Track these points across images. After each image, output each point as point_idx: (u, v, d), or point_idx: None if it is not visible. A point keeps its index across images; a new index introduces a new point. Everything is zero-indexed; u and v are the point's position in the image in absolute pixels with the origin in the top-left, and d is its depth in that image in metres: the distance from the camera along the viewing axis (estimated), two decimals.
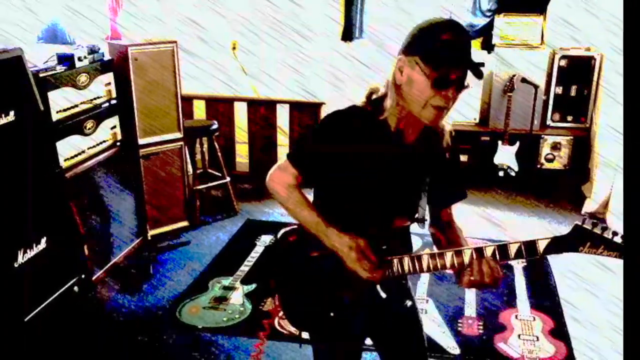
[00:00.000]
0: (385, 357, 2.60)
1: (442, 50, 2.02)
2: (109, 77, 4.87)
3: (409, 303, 2.51)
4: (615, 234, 1.90)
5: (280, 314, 4.28)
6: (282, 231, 2.47)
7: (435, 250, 2.24)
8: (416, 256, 2.20)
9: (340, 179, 2.28)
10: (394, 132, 2.22)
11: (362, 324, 2.44)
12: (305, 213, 2.32)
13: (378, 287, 2.28)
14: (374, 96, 2.24)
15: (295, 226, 2.43)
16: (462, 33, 2.06)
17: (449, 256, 2.14)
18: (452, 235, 2.41)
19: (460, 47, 2.04)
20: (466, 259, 2.10)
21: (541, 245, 2.00)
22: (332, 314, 2.36)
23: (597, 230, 1.92)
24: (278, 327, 4.26)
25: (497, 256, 2.06)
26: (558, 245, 1.98)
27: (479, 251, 2.08)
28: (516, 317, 4.46)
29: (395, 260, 2.24)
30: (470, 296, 4.71)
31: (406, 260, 2.22)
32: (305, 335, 2.57)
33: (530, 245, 2.01)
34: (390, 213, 2.29)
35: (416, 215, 2.36)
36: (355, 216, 2.26)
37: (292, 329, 2.58)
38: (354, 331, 2.47)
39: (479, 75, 2.04)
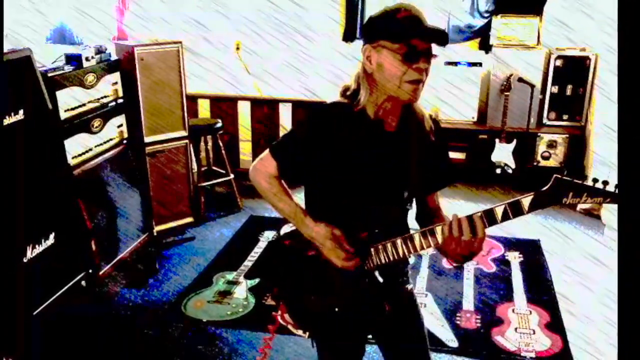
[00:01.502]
0: (385, 344, 2.59)
1: (403, 26, 2.06)
2: (116, 76, 4.88)
3: (408, 287, 2.51)
4: (595, 180, 1.90)
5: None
6: (279, 236, 2.47)
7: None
8: (408, 237, 2.21)
9: (325, 171, 2.28)
10: (373, 122, 2.23)
11: (365, 314, 2.44)
12: (283, 203, 2.34)
13: (376, 272, 2.29)
14: (348, 93, 2.25)
15: (290, 230, 2.43)
16: (415, 10, 2.09)
17: (438, 231, 2.14)
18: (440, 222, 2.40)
19: (418, 20, 2.07)
20: (453, 231, 2.09)
21: (525, 203, 1.99)
22: (336, 309, 2.36)
23: (578, 180, 1.92)
24: (281, 321, 4.26)
25: (486, 222, 2.06)
26: (542, 199, 1.97)
27: (469, 219, 2.07)
28: (513, 310, 4.46)
29: (379, 247, 2.25)
30: (468, 290, 4.72)
31: (389, 245, 2.23)
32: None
33: (515, 205, 2.00)
34: (379, 200, 2.29)
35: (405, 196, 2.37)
36: (345, 207, 2.28)
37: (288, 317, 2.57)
38: (359, 323, 2.47)
39: (443, 42, 2.08)
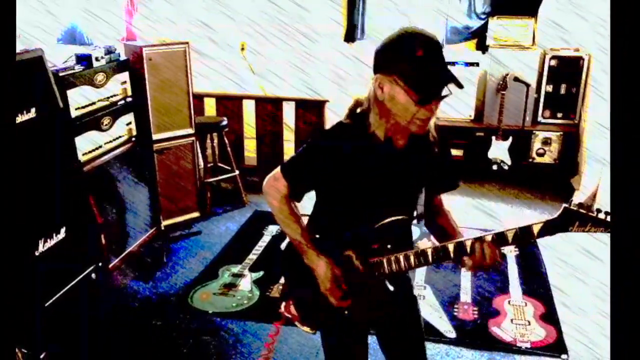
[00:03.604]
0: (383, 338, 2.59)
1: (420, 70, 1.98)
2: (125, 76, 4.87)
3: (414, 292, 2.52)
4: (599, 211, 1.92)
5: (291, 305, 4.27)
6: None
7: (432, 239, 2.24)
8: (421, 252, 2.20)
9: (336, 190, 2.28)
10: (383, 143, 2.21)
11: (372, 318, 2.44)
12: (291, 228, 2.34)
13: (387, 282, 2.29)
14: (359, 110, 2.22)
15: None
16: (433, 45, 2.01)
17: (451, 247, 2.14)
18: (442, 219, 2.43)
19: (436, 61, 2.01)
20: (466, 248, 2.10)
21: (535, 229, 2.00)
22: (346, 312, 2.35)
23: (584, 210, 1.93)
24: (285, 313, 4.26)
25: (496, 243, 2.06)
26: (550, 227, 1.99)
27: (480, 240, 2.08)
28: (509, 302, 4.46)
29: (392, 258, 2.24)
30: (466, 283, 4.72)
31: (401, 258, 2.22)
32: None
33: (526, 230, 2.02)
34: (389, 215, 2.27)
35: (414, 213, 2.36)
36: (355, 221, 2.28)
37: (294, 313, 2.57)
38: (365, 325, 2.47)
39: (458, 86, 2.00)
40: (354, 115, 2.23)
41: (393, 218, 2.25)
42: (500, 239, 2.06)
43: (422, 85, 1.99)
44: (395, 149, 2.24)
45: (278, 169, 2.33)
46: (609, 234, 1.88)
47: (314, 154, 2.27)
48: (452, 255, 2.13)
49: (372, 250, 2.28)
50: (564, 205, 1.96)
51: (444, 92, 2.04)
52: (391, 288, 2.29)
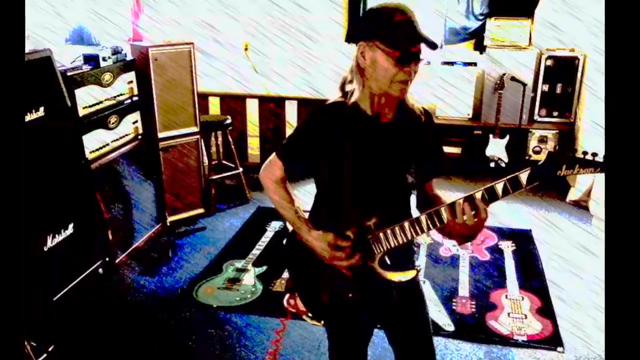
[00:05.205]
0: (392, 330, 2.57)
1: (398, 31, 2.05)
2: (131, 75, 4.88)
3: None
4: (585, 153, 1.89)
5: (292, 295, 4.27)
6: (292, 231, 2.47)
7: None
8: (415, 220, 2.19)
9: (329, 166, 2.28)
10: (370, 116, 2.23)
11: (376, 301, 2.43)
12: (285, 209, 2.38)
13: (385, 257, 2.28)
14: (346, 86, 2.28)
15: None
16: (410, 13, 2.09)
17: (443, 210, 2.11)
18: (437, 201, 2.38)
19: (413, 25, 2.07)
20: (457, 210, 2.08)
21: (523, 178, 1.98)
22: (350, 295, 2.35)
23: (569, 153, 1.90)
24: (289, 308, 4.27)
25: (487, 198, 2.04)
26: (538, 173, 1.95)
27: (471, 198, 2.06)
28: (506, 296, 4.46)
29: (388, 231, 2.23)
30: (464, 277, 4.72)
31: (397, 229, 2.21)
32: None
33: (514, 180, 1.99)
34: (383, 188, 2.29)
35: (407, 184, 2.37)
36: (352, 197, 2.26)
37: (302, 307, 2.56)
38: (370, 311, 2.47)
39: (433, 47, 2.09)
40: (344, 91, 2.29)
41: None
42: (490, 193, 2.04)
43: (400, 43, 2.06)
44: (383, 122, 2.26)
45: (273, 154, 2.38)
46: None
47: (307, 129, 2.32)
48: (444, 217, 2.11)
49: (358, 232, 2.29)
50: (549, 151, 1.95)
51: (421, 56, 2.11)
52: (389, 263, 2.29)
